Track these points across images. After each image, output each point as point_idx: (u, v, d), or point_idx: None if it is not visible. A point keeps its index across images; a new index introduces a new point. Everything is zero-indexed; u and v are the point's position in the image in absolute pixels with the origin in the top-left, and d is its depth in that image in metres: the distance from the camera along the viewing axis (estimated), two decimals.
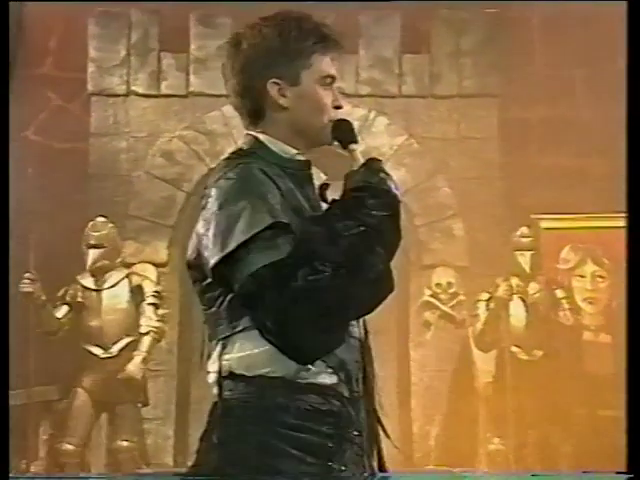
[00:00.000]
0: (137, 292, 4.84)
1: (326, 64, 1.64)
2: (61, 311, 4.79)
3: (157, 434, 5.21)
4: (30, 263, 4.67)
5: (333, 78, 1.65)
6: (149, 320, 4.78)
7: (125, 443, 4.70)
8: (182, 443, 5.41)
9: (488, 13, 5.56)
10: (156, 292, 4.86)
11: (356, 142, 1.61)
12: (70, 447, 4.65)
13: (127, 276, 4.88)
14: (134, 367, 4.69)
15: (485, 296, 4.98)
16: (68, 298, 4.80)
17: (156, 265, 5.24)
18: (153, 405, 5.13)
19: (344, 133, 1.62)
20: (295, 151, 1.62)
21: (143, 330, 4.76)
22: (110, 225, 4.93)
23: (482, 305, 4.98)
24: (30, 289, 4.62)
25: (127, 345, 4.76)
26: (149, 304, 4.81)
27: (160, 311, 4.84)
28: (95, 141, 5.54)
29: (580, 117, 5.52)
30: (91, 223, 4.91)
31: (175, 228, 5.49)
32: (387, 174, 1.58)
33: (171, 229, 5.47)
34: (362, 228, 1.48)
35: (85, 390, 4.71)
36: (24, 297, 4.61)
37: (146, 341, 4.76)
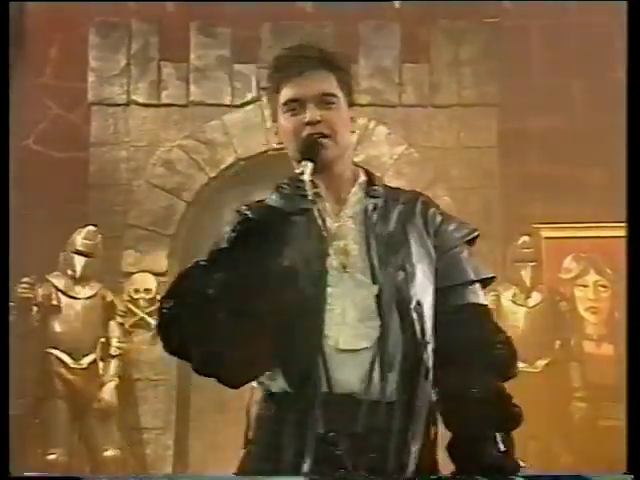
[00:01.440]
0: (109, 308, 4.89)
1: (286, 91, 1.67)
2: (32, 314, 4.78)
3: (157, 443, 5.19)
4: (30, 272, 4.67)
5: (296, 100, 1.65)
6: (119, 341, 4.86)
7: (110, 452, 4.70)
8: (182, 452, 5.39)
9: (487, 23, 5.57)
10: (123, 312, 4.93)
11: (310, 160, 1.59)
12: (54, 457, 4.63)
13: (100, 290, 4.91)
14: (109, 396, 4.73)
15: None
16: (39, 299, 4.77)
17: (155, 274, 5.24)
18: (152, 414, 5.12)
19: (303, 149, 1.62)
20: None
21: (113, 352, 4.82)
22: (99, 236, 4.96)
23: None
24: (30, 295, 4.63)
25: (94, 361, 4.78)
26: (118, 323, 4.90)
27: (126, 328, 4.91)
28: (95, 150, 5.54)
29: (579, 126, 5.52)
30: (83, 231, 4.93)
31: (175, 237, 5.49)
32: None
33: (171, 238, 5.47)
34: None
35: (59, 398, 4.70)
36: (23, 303, 4.61)
37: (114, 364, 4.81)
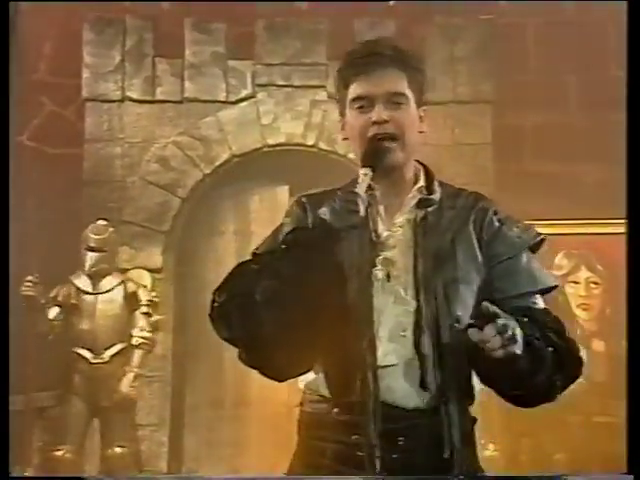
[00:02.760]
0: (131, 299, 4.82)
1: (355, 87, 1.65)
2: (52, 312, 4.77)
3: (151, 440, 5.19)
4: (30, 269, 4.66)
5: (364, 98, 1.64)
6: (141, 331, 4.76)
7: (118, 450, 4.68)
8: (176, 449, 5.39)
9: (482, 20, 5.57)
10: (150, 301, 4.84)
11: (368, 167, 1.57)
12: (64, 454, 4.62)
13: (123, 282, 4.87)
14: (126, 387, 4.68)
15: None
16: (60, 299, 4.78)
17: (150, 271, 5.23)
18: (147, 411, 5.12)
19: (368, 153, 1.61)
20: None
21: (134, 342, 4.74)
22: (110, 229, 4.93)
23: None
24: (32, 293, 4.62)
25: (119, 352, 4.74)
26: (142, 313, 4.79)
27: (153, 319, 4.83)
28: (89, 147, 5.53)
29: (574, 123, 5.54)
30: (91, 226, 4.90)
31: (170, 234, 5.49)
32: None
33: (166, 235, 5.47)
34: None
35: (78, 396, 4.69)
36: (25, 301, 4.61)
37: (137, 354, 4.74)
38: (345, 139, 1.70)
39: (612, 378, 4.74)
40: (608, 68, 5.41)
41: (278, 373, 1.63)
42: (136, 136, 5.55)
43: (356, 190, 1.55)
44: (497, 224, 1.68)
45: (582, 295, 5.18)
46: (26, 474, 4.67)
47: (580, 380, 1.57)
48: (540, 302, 1.66)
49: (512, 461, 4.75)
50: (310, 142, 5.49)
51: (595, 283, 5.19)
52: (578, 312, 5.14)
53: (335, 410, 1.59)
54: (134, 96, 5.57)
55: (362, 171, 1.57)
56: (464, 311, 1.59)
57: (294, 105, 5.50)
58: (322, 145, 5.49)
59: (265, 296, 1.53)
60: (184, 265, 5.54)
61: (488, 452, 4.76)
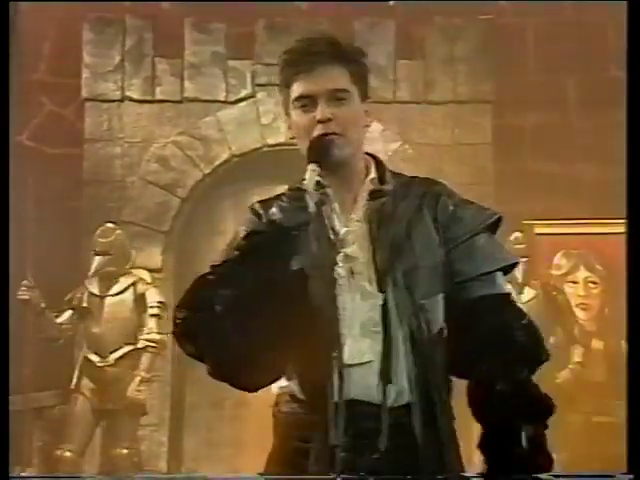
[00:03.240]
0: (140, 301, 4.78)
1: (297, 86, 1.63)
2: (64, 316, 4.76)
3: (151, 440, 5.20)
4: (27, 271, 4.66)
5: (306, 97, 1.62)
6: (149, 333, 4.71)
7: (125, 450, 4.68)
8: (176, 449, 5.40)
9: (482, 20, 5.58)
10: (160, 302, 4.78)
11: (315, 162, 1.55)
12: (69, 454, 4.62)
13: (133, 284, 4.83)
14: (134, 392, 4.67)
15: None
16: (75, 302, 4.77)
17: (150, 271, 5.23)
18: (147, 411, 5.12)
19: (312, 151, 1.59)
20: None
21: (140, 345, 4.71)
22: (118, 231, 4.90)
23: None
24: (27, 297, 4.60)
25: (125, 355, 4.72)
26: (152, 315, 4.73)
27: (163, 321, 4.78)
28: (89, 147, 5.53)
29: (573, 124, 5.54)
30: (100, 229, 4.87)
31: (169, 234, 5.49)
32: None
33: (165, 235, 5.47)
34: None
35: (85, 397, 4.69)
36: (21, 305, 4.59)
37: (145, 358, 4.71)
38: (293, 138, 1.68)
39: (611, 378, 4.74)
40: (607, 68, 5.41)
41: (249, 384, 1.62)
42: (136, 136, 5.55)
43: (303, 187, 1.53)
44: (451, 207, 1.66)
45: (581, 295, 5.18)
46: (22, 474, 4.67)
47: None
48: (502, 282, 1.65)
49: None
50: None
51: (594, 283, 5.19)
52: (577, 312, 5.15)
53: (309, 410, 1.57)
54: (134, 96, 5.57)
55: (309, 167, 1.55)
56: (429, 298, 1.59)
57: None
58: None
59: (225, 306, 1.51)
60: (184, 265, 5.54)
61: None
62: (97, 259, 4.80)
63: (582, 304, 5.17)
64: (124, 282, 4.80)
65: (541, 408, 1.62)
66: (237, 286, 1.51)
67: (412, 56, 5.62)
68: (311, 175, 1.54)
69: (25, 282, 4.61)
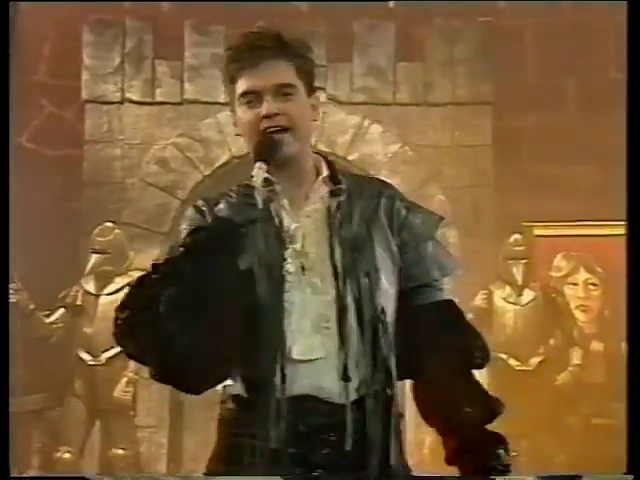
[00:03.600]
0: None
1: (242, 82, 1.62)
2: (55, 315, 4.76)
3: (150, 442, 5.19)
4: (14, 272, 4.65)
5: (252, 92, 1.61)
6: None
7: (121, 451, 4.68)
8: (176, 451, 5.39)
9: (481, 22, 5.58)
10: None
11: (262, 160, 1.54)
12: (67, 455, 4.62)
13: (129, 284, 4.81)
14: (120, 393, 4.67)
15: (471, 305, 5.00)
16: (69, 300, 4.77)
17: None
18: (146, 413, 5.12)
19: (259, 148, 1.58)
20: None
21: None
22: (117, 231, 4.91)
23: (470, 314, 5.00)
24: (14, 299, 4.60)
25: (117, 355, 4.72)
26: None
27: None
28: (89, 148, 5.54)
29: (572, 125, 5.54)
30: (98, 228, 4.89)
31: (169, 236, 5.49)
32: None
33: (165, 236, 5.47)
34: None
35: (79, 398, 4.69)
36: (11, 307, 4.59)
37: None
38: (239, 135, 1.67)
39: (611, 379, 4.74)
40: (607, 70, 5.42)
41: (194, 386, 1.59)
42: (136, 138, 5.56)
43: (252, 183, 1.52)
44: (404, 212, 1.67)
45: (581, 296, 5.18)
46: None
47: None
48: (445, 290, 1.70)
49: (512, 463, 4.74)
50: None
51: (594, 284, 5.19)
52: (577, 313, 5.15)
53: (253, 408, 1.55)
54: (134, 98, 5.57)
55: (256, 164, 1.54)
56: (387, 301, 1.60)
57: None
58: (321, 147, 5.48)
59: (170, 306, 1.48)
60: None
61: None
62: (94, 257, 4.81)
63: (582, 306, 5.17)
64: (120, 282, 4.80)
65: (487, 410, 1.64)
66: (182, 285, 1.49)
67: (412, 58, 5.62)
68: (258, 172, 1.53)
69: (12, 285, 4.60)
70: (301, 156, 1.64)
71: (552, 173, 5.49)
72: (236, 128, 1.68)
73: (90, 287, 4.80)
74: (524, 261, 5.10)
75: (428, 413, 1.65)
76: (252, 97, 1.61)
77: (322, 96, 5.51)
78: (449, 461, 1.61)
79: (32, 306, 4.68)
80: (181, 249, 1.54)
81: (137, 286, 1.59)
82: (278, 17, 5.54)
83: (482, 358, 1.67)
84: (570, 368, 4.95)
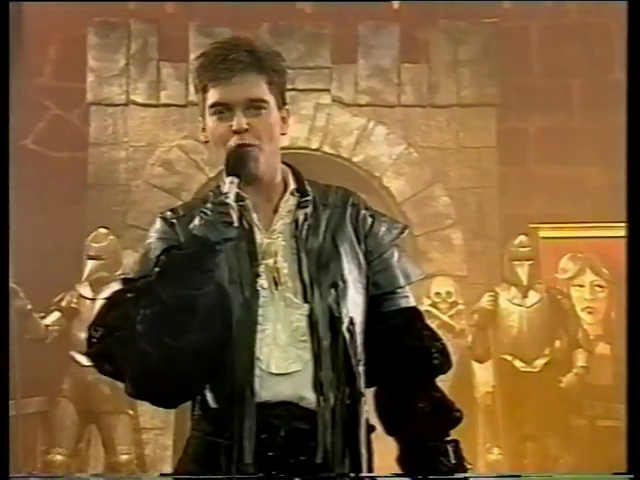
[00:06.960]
0: None
1: (213, 93, 1.61)
2: (51, 317, 4.77)
3: (156, 444, 5.19)
4: (11, 273, 4.64)
5: (222, 104, 1.60)
6: None
7: (124, 457, 4.68)
8: (182, 453, 5.39)
9: (486, 23, 5.58)
10: None
11: (234, 175, 1.53)
12: (59, 458, 4.63)
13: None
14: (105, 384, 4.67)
15: (477, 306, 5.00)
16: (63, 304, 4.78)
17: None
18: (151, 415, 5.12)
19: (230, 163, 1.56)
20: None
21: None
22: (111, 237, 4.92)
23: (476, 315, 5.00)
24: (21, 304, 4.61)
25: None
26: None
27: None
28: (94, 150, 5.54)
29: (578, 127, 5.53)
30: (92, 234, 4.90)
31: None
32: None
33: None
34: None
35: (69, 400, 4.69)
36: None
37: None
38: (206, 142, 1.66)
39: (617, 382, 4.73)
40: (612, 71, 5.40)
41: (170, 402, 1.61)
42: (140, 140, 5.56)
43: (227, 200, 1.51)
44: (370, 220, 1.67)
45: (587, 298, 5.16)
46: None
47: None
48: (411, 297, 1.72)
49: (516, 465, 4.74)
50: (314, 146, 5.49)
51: (600, 286, 5.17)
52: (583, 315, 5.13)
53: (221, 419, 1.57)
54: (138, 100, 5.58)
55: (228, 179, 1.53)
56: (355, 311, 1.61)
57: (298, 109, 5.49)
58: (326, 148, 5.49)
59: (147, 326, 1.49)
60: None
61: (492, 456, 4.75)
62: (90, 264, 4.82)
63: (588, 308, 5.15)
64: (115, 286, 4.78)
65: (449, 417, 1.66)
66: (159, 305, 1.49)
67: (416, 59, 5.62)
68: (231, 187, 1.52)
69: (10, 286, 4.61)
70: (270, 171, 1.63)
71: (557, 174, 5.48)
72: (203, 133, 1.66)
73: (86, 292, 4.81)
74: (529, 262, 5.09)
75: (384, 417, 1.67)
76: (223, 109, 1.60)
77: (327, 98, 5.52)
78: (398, 460, 1.66)
79: (29, 307, 4.68)
80: (156, 269, 1.54)
81: (111, 304, 1.59)
82: (283, 18, 5.55)
83: (442, 362, 1.68)
84: (575, 370, 4.93)
